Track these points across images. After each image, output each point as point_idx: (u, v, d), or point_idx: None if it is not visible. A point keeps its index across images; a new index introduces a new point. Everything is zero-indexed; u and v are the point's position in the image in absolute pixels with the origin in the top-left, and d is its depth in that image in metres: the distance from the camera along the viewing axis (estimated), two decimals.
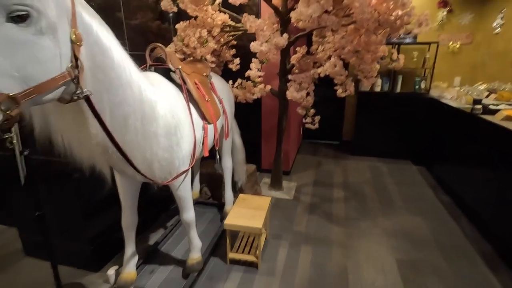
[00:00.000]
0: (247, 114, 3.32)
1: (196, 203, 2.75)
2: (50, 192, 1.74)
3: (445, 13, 3.75)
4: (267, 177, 3.28)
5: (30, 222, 1.91)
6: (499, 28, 3.31)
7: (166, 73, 1.60)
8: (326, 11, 1.88)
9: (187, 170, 1.56)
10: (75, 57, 0.86)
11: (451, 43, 3.83)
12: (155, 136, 1.29)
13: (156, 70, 1.61)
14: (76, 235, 1.84)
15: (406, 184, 3.22)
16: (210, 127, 1.77)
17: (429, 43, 3.72)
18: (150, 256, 2.04)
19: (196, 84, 1.76)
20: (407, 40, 3.77)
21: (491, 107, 2.54)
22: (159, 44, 1.60)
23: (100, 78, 0.99)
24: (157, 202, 2.53)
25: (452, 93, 3.30)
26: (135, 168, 1.19)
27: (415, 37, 3.77)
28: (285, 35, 1.92)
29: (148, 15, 2.45)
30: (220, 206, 2.68)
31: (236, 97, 2.53)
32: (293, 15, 1.88)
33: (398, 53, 3.61)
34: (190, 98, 1.62)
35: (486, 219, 2.27)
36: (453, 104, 3.04)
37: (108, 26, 1.06)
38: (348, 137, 4.52)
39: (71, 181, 1.68)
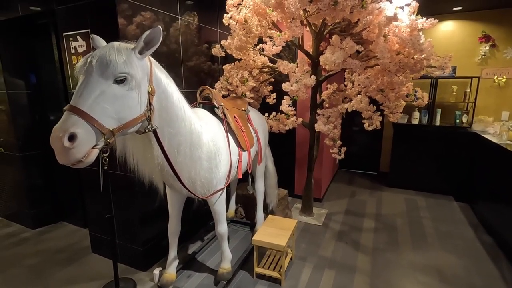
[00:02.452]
0: (282, 143, 3.61)
1: (231, 221, 3.04)
2: (118, 200, 2.18)
3: (487, 47, 3.71)
4: (299, 202, 3.45)
5: (99, 223, 2.38)
6: None
7: (212, 109, 1.99)
8: (351, 55, 2.15)
9: (223, 188, 1.87)
10: (150, 103, 1.25)
11: (496, 77, 3.74)
12: (199, 159, 1.64)
13: (204, 107, 2.01)
14: (132, 238, 2.24)
15: (444, 220, 3.12)
16: (245, 154, 2.09)
17: (470, 77, 3.68)
18: (189, 263, 2.34)
19: (235, 117, 2.12)
20: (446, 75, 3.77)
21: None
22: (207, 86, 2.01)
23: (164, 116, 1.38)
24: (198, 217, 2.87)
25: (495, 128, 3.20)
26: (182, 183, 1.54)
27: (454, 71, 3.76)
28: (313, 77, 2.21)
29: (201, 58, 2.96)
30: (252, 225, 2.92)
31: (270, 127, 2.84)
32: (321, 59, 2.17)
33: (436, 87, 3.67)
34: (229, 129, 1.97)
35: None
36: (494, 139, 2.96)
37: (170, 76, 1.46)
38: (386, 168, 4.49)
39: (134, 192, 2.10)
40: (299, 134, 3.45)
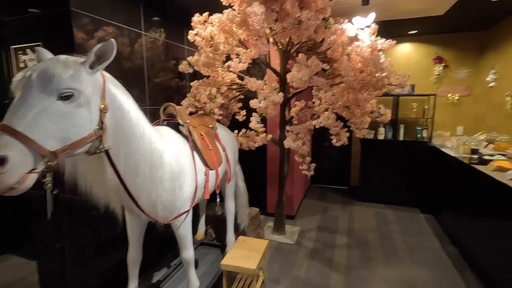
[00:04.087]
0: (253, 160, 3.56)
1: (201, 244, 2.88)
2: (70, 227, 1.97)
3: (441, 68, 4.02)
4: (272, 220, 3.38)
5: (49, 254, 2.12)
6: (493, 82, 3.49)
7: (176, 127, 1.90)
8: (317, 73, 2.19)
9: (188, 210, 1.75)
10: (101, 121, 1.15)
11: (450, 95, 4.03)
12: (161, 180, 1.53)
13: (168, 124, 1.92)
14: (87, 269, 2.01)
15: (412, 233, 3.19)
16: (212, 173, 2.00)
17: (427, 95, 3.94)
18: None
19: (201, 135, 2.04)
20: (405, 92, 4.01)
21: (486, 157, 2.62)
22: (171, 103, 1.93)
23: (119, 134, 1.28)
24: (164, 242, 2.68)
25: (452, 142, 3.40)
26: (139, 207, 1.41)
27: (413, 89, 4.01)
28: (281, 94, 2.21)
29: (168, 75, 2.88)
30: (223, 248, 2.77)
31: (240, 144, 2.79)
32: (288, 76, 2.19)
33: (398, 104, 3.86)
34: (194, 147, 1.89)
35: (490, 273, 2.22)
36: (452, 153, 3.13)
37: (135, 92, 1.37)
38: (356, 183, 4.58)
39: (88, 218, 1.91)
40: (270, 150, 3.43)
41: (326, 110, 2.52)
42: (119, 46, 2.18)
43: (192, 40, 2.36)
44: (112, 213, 1.50)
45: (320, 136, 4.62)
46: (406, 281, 2.34)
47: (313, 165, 2.61)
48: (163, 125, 1.90)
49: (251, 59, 2.28)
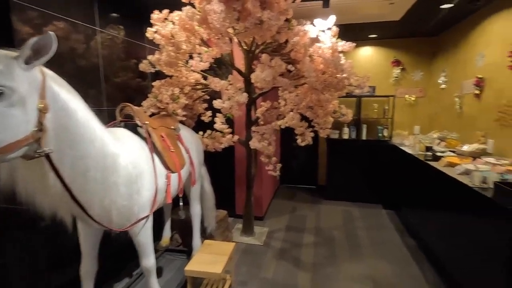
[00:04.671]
0: (221, 161, 3.51)
1: (166, 250, 2.77)
2: (12, 241, 1.78)
3: (399, 70, 4.26)
4: (241, 222, 3.34)
5: None
6: (444, 85, 3.77)
7: (135, 128, 1.80)
8: (282, 74, 2.21)
9: (147, 216, 1.66)
10: (40, 122, 1.04)
11: (407, 96, 4.28)
12: (115, 185, 1.43)
13: (126, 126, 1.81)
14: (35, 286, 1.83)
15: (375, 228, 3.33)
16: (174, 176, 1.92)
17: (387, 96, 4.14)
18: None
19: (162, 136, 1.96)
20: (367, 94, 4.19)
21: (439, 154, 2.80)
22: (128, 104, 1.82)
23: (63, 137, 1.17)
24: (126, 250, 2.54)
25: (410, 141, 3.61)
26: (87, 214, 1.31)
27: (374, 90, 4.21)
28: (245, 94, 2.20)
29: (129, 74, 2.74)
30: (190, 253, 2.69)
31: (206, 146, 2.73)
32: (252, 77, 2.18)
33: (360, 105, 4.02)
34: (154, 149, 1.80)
35: (444, 262, 2.37)
36: (410, 150, 3.32)
37: (85, 92, 1.27)
38: (323, 182, 4.70)
39: (34, 229, 1.74)
40: (238, 152, 3.40)
41: (291, 110, 2.55)
42: (72, 43, 2.03)
43: (151, 38, 2.26)
44: (61, 222, 1.39)
45: (289, 137, 4.68)
46: (369, 275, 2.42)
47: (279, 165, 2.62)
48: (120, 126, 1.80)
49: (213, 59, 2.24)
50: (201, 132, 2.71)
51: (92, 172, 1.30)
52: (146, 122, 1.83)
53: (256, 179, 3.21)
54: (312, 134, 2.57)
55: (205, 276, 1.89)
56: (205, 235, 2.75)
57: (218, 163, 3.51)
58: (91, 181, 1.31)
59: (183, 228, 2.83)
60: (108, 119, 2.07)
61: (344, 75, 2.13)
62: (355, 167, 4.12)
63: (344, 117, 2.44)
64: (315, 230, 3.29)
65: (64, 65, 2.00)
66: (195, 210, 2.51)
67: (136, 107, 1.85)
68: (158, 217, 2.67)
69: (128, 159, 1.52)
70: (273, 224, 3.44)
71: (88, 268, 1.68)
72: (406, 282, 2.33)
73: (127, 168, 1.50)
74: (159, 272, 2.46)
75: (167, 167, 1.86)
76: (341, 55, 2.19)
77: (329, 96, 2.25)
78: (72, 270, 1.92)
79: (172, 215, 2.82)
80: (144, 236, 1.68)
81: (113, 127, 1.77)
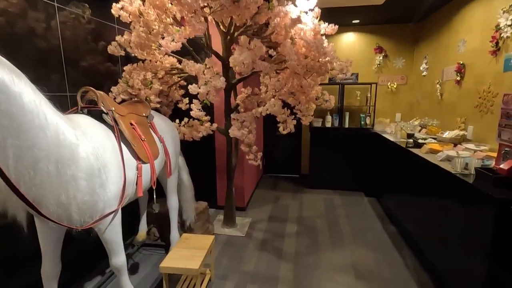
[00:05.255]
0: (201, 151, 3.37)
1: (143, 245, 2.64)
2: None
3: (381, 57, 4.22)
4: (222, 214, 3.24)
5: None
6: (425, 72, 3.76)
7: (100, 116, 1.63)
8: (263, 59, 2.08)
9: (115, 211, 1.52)
10: None
11: (389, 83, 4.27)
12: (74, 179, 1.28)
13: (90, 113, 1.64)
14: None
15: (357, 216, 3.33)
16: (146, 167, 1.78)
17: (369, 83, 4.11)
18: None
19: (132, 124, 1.80)
20: (349, 81, 4.14)
21: (420, 141, 2.79)
22: (91, 88, 1.64)
23: (4, 124, 1.00)
24: (98, 246, 2.38)
25: (391, 128, 3.60)
26: (39, 212, 1.16)
27: (357, 78, 4.16)
28: (222, 79, 2.05)
29: (97, 58, 2.51)
30: (168, 247, 2.57)
31: (183, 135, 2.58)
32: (230, 60, 2.03)
33: (343, 92, 3.96)
34: (122, 138, 1.64)
35: (423, 248, 2.39)
36: (391, 138, 3.31)
37: (23, 73, 1.10)
38: (306, 171, 4.67)
39: None
40: (218, 141, 3.27)
41: (273, 97, 2.43)
42: (29, 21, 1.80)
43: (116, 15, 2.06)
44: (14, 220, 1.23)
45: (271, 125, 4.57)
46: (351, 263, 2.40)
47: (259, 155, 2.52)
48: (82, 113, 1.62)
49: (188, 41, 2.08)
50: (177, 121, 2.55)
51: (43, 165, 1.14)
52: (112, 109, 1.66)
53: (238, 169, 3.10)
54: (294, 122, 2.47)
55: (182, 272, 1.78)
56: (184, 228, 2.64)
57: (198, 153, 3.37)
58: (43, 175, 1.15)
59: (161, 222, 2.70)
60: (71, 106, 1.88)
61: (327, 58, 2.03)
62: (338, 155, 4.09)
63: (327, 103, 2.35)
64: (298, 219, 3.25)
65: (22, 46, 1.78)
66: (172, 202, 2.39)
67: (100, 92, 1.68)
68: (134, 210, 2.53)
69: (89, 150, 1.36)
70: (256, 214, 3.37)
71: (49, 269, 1.53)
72: (386, 268, 2.33)
73: (88, 159, 1.34)
74: (135, 268, 2.33)
75: (137, 157, 1.72)
76: (324, 38, 2.08)
77: (311, 81, 2.15)
78: (32, 272, 1.76)
79: (148, 208, 2.68)
80: (111, 233, 1.55)
81: (75, 114, 1.59)
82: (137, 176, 1.71)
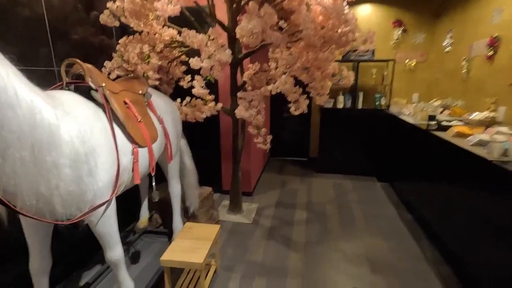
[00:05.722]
0: (205, 133, 3.17)
1: (144, 232, 2.50)
2: None
3: (400, 32, 3.87)
4: (228, 199, 3.09)
5: None
6: (449, 47, 3.44)
7: (89, 93, 1.42)
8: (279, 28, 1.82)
9: (108, 201, 1.35)
10: None
11: (407, 61, 3.95)
12: (55, 166, 1.09)
13: (78, 89, 1.43)
14: None
15: (369, 202, 3.15)
16: (143, 151, 1.59)
17: (386, 61, 3.80)
18: None
19: (126, 103, 1.59)
20: (365, 58, 3.83)
21: (444, 123, 2.55)
22: (76, 60, 1.42)
23: None
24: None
25: (410, 109, 3.34)
26: (7, 205, 0.99)
27: (373, 54, 3.84)
28: (228, 51, 1.81)
29: (90, 29, 2.27)
30: (170, 235, 2.44)
31: (185, 115, 2.37)
32: (237, 30, 1.78)
33: (357, 70, 3.67)
34: (114, 119, 1.44)
35: (445, 239, 2.21)
36: (410, 120, 3.06)
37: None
38: (315, 154, 4.46)
39: None
40: (224, 122, 3.06)
41: (284, 73, 2.18)
42: None
43: None
44: None
45: (279, 105, 4.35)
46: (364, 254, 2.25)
47: (269, 138, 2.31)
48: (68, 89, 1.41)
49: (190, 11, 1.81)
50: (179, 100, 2.33)
51: (15, 150, 0.95)
52: (102, 85, 1.45)
53: (244, 151, 2.91)
54: (307, 102, 2.24)
55: (185, 266, 1.64)
56: (187, 215, 2.49)
57: (202, 135, 3.17)
58: (15, 163, 0.96)
59: (163, 208, 2.56)
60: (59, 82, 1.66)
61: (348, 28, 1.76)
62: (349, 138, 3.87)
63: (345, 80, 2.10)
64: (307, 205, 3.09)
65: (4, 15, 1.56)
66: (174, 189, 2.22)
67: (87, 65, 1.46)
68: (134, 195, 2.37)
69: (73, 132, 1.16)
70: (263, 200, 3.21)
71: (38, 265, 1.39)
72: (403, 259, 2.18)
73: (72, 143, 1.15)
74: (136, 257, 2.20)
75: (133, 140, 1.52)
76: (345, 4, 1.80)
77: (329, 55, 1.90)
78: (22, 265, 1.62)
79: (150, 193, 2.52)
80: (105, 226, 1.38)
81: (59, 90, 1.39)
82: (133, 162, 1.52)
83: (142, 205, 2.43)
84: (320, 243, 2.39)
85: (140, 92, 1.77)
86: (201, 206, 2.53)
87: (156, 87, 2.29)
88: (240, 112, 2.09)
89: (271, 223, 2.72)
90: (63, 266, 1.89)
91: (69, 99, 1.29)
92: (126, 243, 2.34)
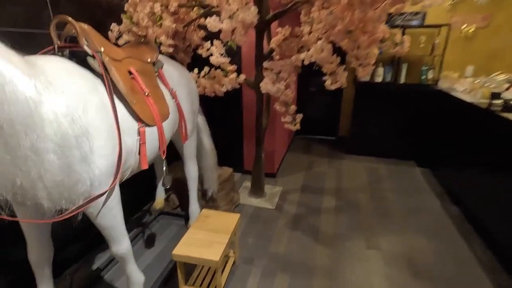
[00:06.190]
0: (226, 109, 2.90)
1: (161, 213, 2.37)
2: None
3: None
4: (249, 180, 2.86)
5: None
6: None
7: (85, 60, 1.17)
8: None
9: (107, 191, 1.14)
10: None
11: (464, 26, 3.32)
12: (35, 152, 0.87)
13: (73, 55, 1.18)
14: None
15: (408, 191, 2.80)
16: (151, 131, 1.35)
17: (439, 26, 3.21)
18: (89, 286, 1.66)
19: (131, 73, 1.33)
20: (414, 23, 3.26)
21: None
22: (68, 18, 1.16)
23: None
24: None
25: (465, 85, 2.82)
26: None
27: (423, 18, 3.26)
28: (254, 9, 1.46)
29: None
30: (188, 218, 2.28)
31: (203, 89, 2.09)
32: None
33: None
34: (115, 92, 1.20)
35: (502, 241, 1.86)
36: (466, 98, 2.58)
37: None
38: (345, 133, 4.08)
39: None
40: (247, 96, 2.75)
41: (320, 39, 1.80)
42: None
43: None
44: None
45: (305, 79, 3.94)
46: (403, 253, 1.96)
47: (299, 116, 1.99)
48: (61, 55, 1.17)
49: None
50: (196, 71, 2.04)
51: None
52: (100, 49, 1.19)
53: (269, 130, 2.62)
54: (346, 74, 1.86)
55: (199, 263, 1.45)
56: (206, 198, 2.31)
57: (222, 111, 2.90)
58: None
59: (181, 188, 2.38)
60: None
61: None
62: (387, 116, 3.42)
63: (398, 48, 1.69)
64: (336, 191, 2.79)
65: None
66: (191, 171, 2.01)
67: (82, 24, 1.20)
68: (149, 174, 2.20)
69: (60, 109, 0.93)
70: (287, 183, 2.96)
71: (37, 254, 1.24)
72: (451, 263, 1.87)
73: (58, 123, 0.92)
74: (150, 241, 2.08)
75: (138, 118, 1.28)
76: None
77: (381, 13, 1.49)
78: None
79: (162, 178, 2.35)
80: (106, 218, 1.19)
81: (48, 56, 1.14)
82: (139, 144, 1.29)
83: (158, 185, 2.26)
84: (350, 237, 2.13)
85: (149, 60, 1.50)
86: (220, 189, 2.32)
87: (171, 56, 2.01)
88: (265, 85, 1.77)
89: (296, 209, 2.48)
90: (75, 249, 1.78)
91: (56, 67, 1.05)
92: (141, 224, 2.22)
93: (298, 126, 2.00)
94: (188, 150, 1.92)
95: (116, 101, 1.21)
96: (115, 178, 1.14)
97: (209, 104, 2.39)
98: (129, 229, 2.15)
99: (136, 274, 1.41)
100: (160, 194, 2.28)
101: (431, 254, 1.96)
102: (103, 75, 1.16)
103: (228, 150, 3.01)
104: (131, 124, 1.25)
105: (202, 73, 2.02)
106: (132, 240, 2.05)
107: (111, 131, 1.12)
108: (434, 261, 1.89)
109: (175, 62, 1.83)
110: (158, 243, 2.06)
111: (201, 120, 2.11)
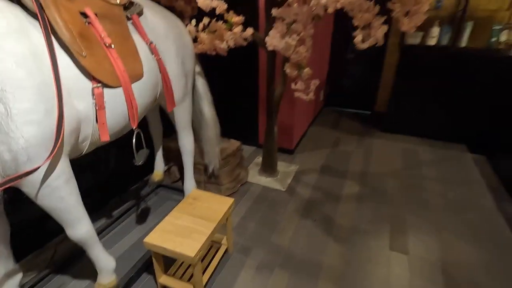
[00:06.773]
0: (237, 73, 2.53)
1: (160, 186, 2.19)
2: None
3: None
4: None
5: None
6: None
7: None
8: None
9: (47, 165, 0.91)
10: None
11: None
12: None
13: None
14: None
15: (454, 182, 2.29)
16: (114, 93, 1.07)
17: None
18: (73, 258, 1.55)
19: (86, 16, 1.03)
20: None
21: None
22: None
23: None
24: (116, 179, 2.00)
25: None
26: None
27: None
28: None
29: None
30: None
31: (202, 44, 1.73)
32: None
33: None
34: (57, 39, 0.92)
35: None
36: None
37: None
38: (383, 108, 3.50)
39: None
40: (264, 59, 2.34)
41: None
42: None
43: None
44: None
45: (341, 42, 3.36)
46: (437, 261, 1.57)
47: (314, 83, 1.56)
48: None
49: None
50: (194, 22, 1.68)
51: None
52: None
53: (285, 99, 2.24)
54: (384, 28, 1.38)
55: (172, 256, 1.21)
56: (207, 173, 2.06)
57: (235, 76, 2.55)
58: None
59: (182, 161, 2.16)
60: None
61: None
62: (437, 89, 2.80)
63: None
64: (361, 175, 2.38)
65: None
66: (185, 143, 1.75)
67: None
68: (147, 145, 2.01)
69: None
70: (305, 161, 2.60)
71: None
72: (502, 278, 1.45)
73: None
74: (144, 215, 1.91)
75: (93, 77, 1.00)
76: None
77: None
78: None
79: (168, 142, 2.12)
80: (50, 200, 0.97)
81: None
82: (97, 109, 1.02)
83: (156, 155, 2.05)
84: (372, 233, 1.77)
85: (118, 1, 1.18)
86: (224, 165, 2.05)
87: (169, 8, 1.67)
88: (271, 39, 1.36)
89: (310, 194, 2.15)
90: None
91: None
92: (138, 197, 2.06)
93: (311, 96, 1.59)
94: (181, 119, 1.64)
95: (60, 51, 0.93)
96: (55, 149, 0.89)
97: (218, 68, 2.06)
98: (124, 200, 2.03)
99: (103, 259, 1.23)
100: (159, 166, 2.09)
101: (476, 266, 1.54)
102: (38, 16, 0.87)
103: (242, 121, 2.70)
104: (83, 84, 0.98)
105: (201, 25, 1.65)
106: (125, 212, 1.90)
107: (45, 90, 0.86)
108: (479, 276, 1.48)
109: (163, 9, 1.48)
110: (151, 218, 1.89)
111: (200, 84, 1.79)
